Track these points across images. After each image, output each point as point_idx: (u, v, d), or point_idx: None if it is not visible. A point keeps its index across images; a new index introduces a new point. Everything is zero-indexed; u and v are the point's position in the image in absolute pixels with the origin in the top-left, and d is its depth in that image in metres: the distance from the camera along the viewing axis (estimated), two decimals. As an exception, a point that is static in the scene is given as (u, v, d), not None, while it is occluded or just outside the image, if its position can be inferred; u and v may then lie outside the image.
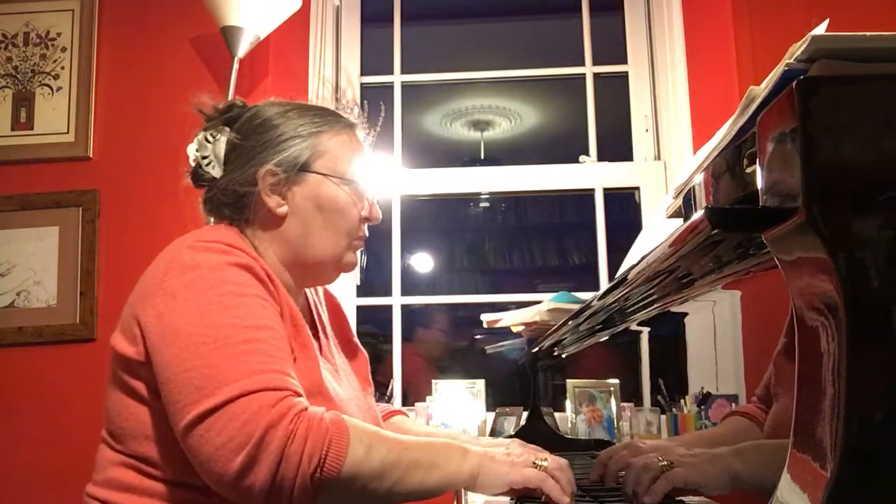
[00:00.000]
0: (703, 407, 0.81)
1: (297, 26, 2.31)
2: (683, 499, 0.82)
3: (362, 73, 2.53)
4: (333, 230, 1.08)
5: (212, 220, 1.13)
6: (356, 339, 1.31)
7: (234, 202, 1.07)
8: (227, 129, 1.10)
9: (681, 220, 0.71)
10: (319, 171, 1.08)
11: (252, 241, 1.06)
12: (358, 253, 1.15)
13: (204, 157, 1.08)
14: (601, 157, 2.45)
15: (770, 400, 0.65)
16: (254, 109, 1.13)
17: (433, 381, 2.18)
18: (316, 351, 1.05)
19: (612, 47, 2.52)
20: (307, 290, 1.19)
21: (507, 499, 1.00)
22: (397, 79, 2.56)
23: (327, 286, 1.26)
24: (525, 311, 1.76)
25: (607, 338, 1.25)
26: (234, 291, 0.92)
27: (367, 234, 1.16)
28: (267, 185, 1.05)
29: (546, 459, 0.95)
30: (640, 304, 0.99)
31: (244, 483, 0.81)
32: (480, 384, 2.17)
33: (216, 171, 1.08)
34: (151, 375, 0.93)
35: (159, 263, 0.98)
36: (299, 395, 0.88)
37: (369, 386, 1.27)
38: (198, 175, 1.10)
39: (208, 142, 1.09)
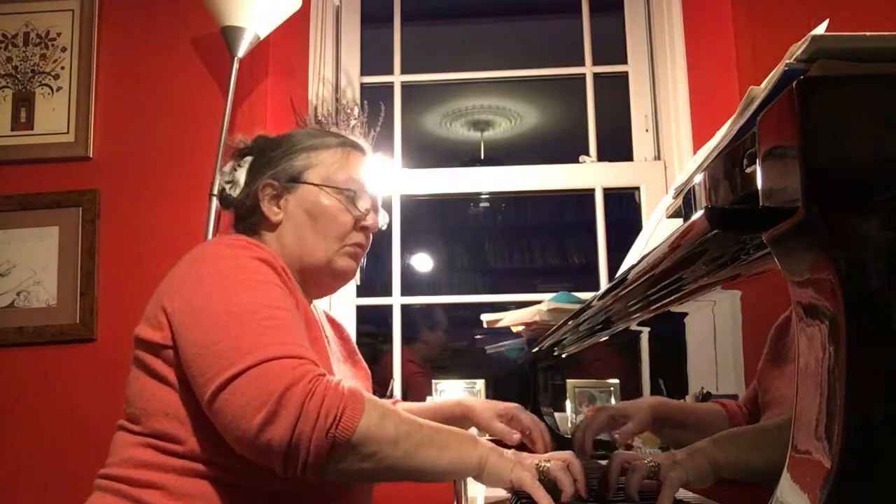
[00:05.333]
0: (703, 407, 0.81)
1: (297, 26, 2.31)
2: (683, 499, 0.82)
3: (362, 73, 2.53)
4: (323, 235, 1.17)
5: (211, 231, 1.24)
6: (360, 357, 1.39)
7: (244, 214, 1.20)
8: (249, 157, 1.24)
9: (681, 220, 0.71)
10: (311, 181, 1.18)
11: None
12: (362, 259, 1.25)
13: (228, 182, 1.23)
14: (601, 157, 2.45)
15: (753, 407, 0.65)
16: (270, 136, 1.27)
17: (433, 382, 2.18)
18: (325, 343, 1.13)
19: (612, 47, 2.51)
20: (314, 311, 1.26)
21: (506, 495, 1.01)
22: (397, 79, 2.55)
23: (333, 315, 1.37)
24: (525, 311, 1.76)
25: (607, 338, 1.25)
26: (254, 278, 1.01)
27: (364, 241, 1.23)
28: (266, 195, 1.18)
29: (549, 461, 0.98)
30: (641, 304, 0.99)
31: (264, 439, 0.86)
32: (480, 384, 2.17)
33: (235, 192, 1.22)
34: (174, 357, 1.00)
35: (184, 260, 1.07)
36: (317, 364, 0.93)
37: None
38: (223, 198, 1.24)
39: (234, 170, 1.23)
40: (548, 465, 0.97)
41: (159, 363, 1.02)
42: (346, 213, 1.18)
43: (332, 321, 1.37)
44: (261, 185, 1.17)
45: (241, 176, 1.22)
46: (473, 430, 1.25)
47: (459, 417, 1.30)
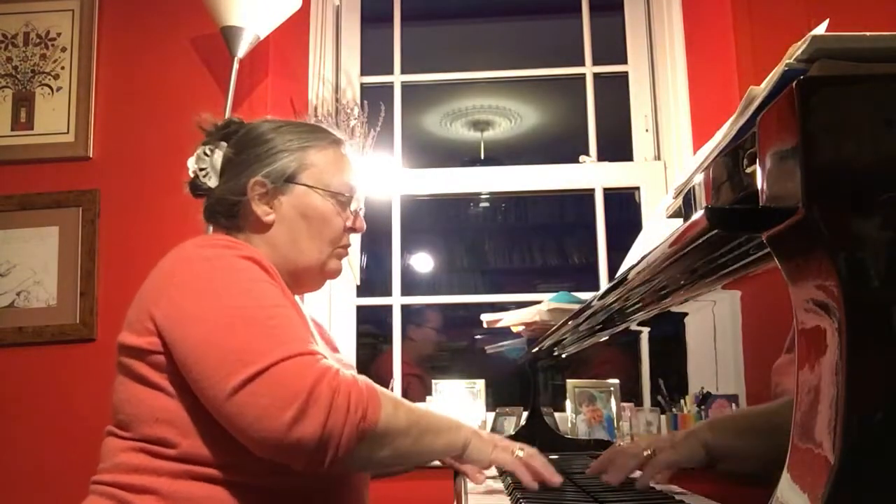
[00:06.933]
0: (703, 407, 0.81)
1: (297, 26, 2.31)
2: (684, 499, 0.82)
3: (362, 73, 2.53)
4: (318, 238, 1.16)
5: (210, 228, 1.23)
6: (343, 356, 1.38)
7: (227, 210, 1.16)
8: (224, 143, 1.19)
9: (681, 220, 0.71)
10: (305, 182, 1.16)
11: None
12: (344, 261, 1.25)
13: (202, 169, 1.17)
14: (601, 157, 2.45)
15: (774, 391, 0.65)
16: (249, 126, 1.22)
17: (433, 382, 2.18)
18: (318, 339, 1.13)
19: (612, 47, 2.51)
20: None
21: (504, 493, 1.02)
22: (397, 79, 2.55)
23: (316, 315, 1.37)
24: (525, 311, 1.76)
25: (607, 338, 1.25)
26: (247, 277, 1.00)
27: (351, 242, 1.24)
28: (256, 194, 1.14)
29: (523, 449, 1.07)
30: (640, 304, 0.99)
31: (293, 436, 0.87)
32: (480, 384, 2.17)
33: (212, 182, 1.17)
34: (162, 363, 0.99)
35: (165, 264, 1.05)
36: (326, 359, 0.95)
37: None
38: (195, 186, 1.19)
39: (206, 155, 1.18)
40: (521, 452, 1.05)
41: (147, 368, 1.00)
42: (338, 216, 1.18)
43: (315, 324, 1.36)
44: (251, 183, 1.13)
45: (217, 163, 1.17)
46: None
47: None
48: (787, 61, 0.50)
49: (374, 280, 2.98)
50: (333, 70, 2.48)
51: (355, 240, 2.21)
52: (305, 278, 1.19)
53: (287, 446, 0.88)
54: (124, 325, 1.05)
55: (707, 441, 0.70)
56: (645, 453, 0.86)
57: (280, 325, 0.95)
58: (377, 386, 0.95)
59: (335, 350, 1.36)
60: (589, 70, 2.50)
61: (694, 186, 0.66)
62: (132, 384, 1.02)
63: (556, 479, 1.02)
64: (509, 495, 1.06)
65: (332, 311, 2.32)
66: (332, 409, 0.88)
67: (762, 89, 0.55)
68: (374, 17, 2.58)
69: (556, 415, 1.71)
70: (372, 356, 3.43)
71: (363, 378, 0.94)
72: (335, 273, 1.21)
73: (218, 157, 1.17)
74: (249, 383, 0.89)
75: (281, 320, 0.96)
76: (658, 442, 0.85)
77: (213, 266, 1.01)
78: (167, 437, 0.98)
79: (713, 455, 0.70)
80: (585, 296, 1.56)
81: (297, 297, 1.30)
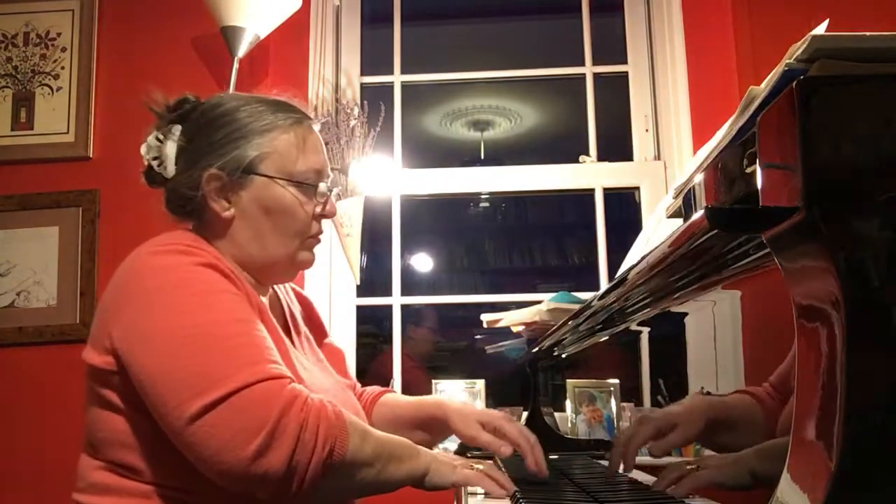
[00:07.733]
0: (703, 407, 0.81)
1: (297, 26, 2.31)
2: (685, 499, 0.82)
3: (362, 74, 2.53)
4: (282, 232, 1.06)
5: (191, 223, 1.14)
6: (330, 335, 1.32)
7: (184, 204, 1.07)
8: (179, 126, 1.07)
9: (681, 220, 0.71)
10: (265, 172, 1.04)
11: (209, 242, 1.06)
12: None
13: (154, 158, 1.06)
14: (601, 157, 2.45)
15: (783, 389, 0.65)
16: (204, 105, 1.09)
17: (433, 382, 2.18)
18: (287, 345, 1.06)
19: (612, 47, 2.52)
20: (277, 290, 1.20)
21: (507, 500, 1.01)
22: (397, 79, 2.55)
23: (303, 291, 1.31)
24: (525, 311, 1.76)
25: (607, 338, 1.25)
26: (204, 290, 0.93)
27: (321, 229, 1.13)
28: (212, 189, 1.04)
29: (481, 464, 1.04)
30: (640, 304, 0.99)
31: (258, 469, 0.83)
32: (480, 384, 2.17)
33: (167, 172, 1.07)
34: (123, 384, 0.94)
35: (121, 275, 1.00)
36: (293, 378, 0.91)
37: (348, 379, 1.28)
38: (150, 176, 1.09)
39: (159, 141, 1.06)
40: (481, 467, 1.03)
41: (107, 391, 0.96)
42: (301, 207, 1.06)
43: (300, 297, 1.29)
44: (205, 176, 1.02)
45: (171, 151, 1.05)
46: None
47: (441, 420, 1.22)
48: (787, 61, 0.50)
49: (374, 280, 2.98)
50: (333, 70, 2.48)
51: (356, 238, 2.21)
52: (275, 272, 1.11)
53: (249, 479, 0.83)
54: (88, 339, 0.99)
55: (754, 469, 0.69)
56: (688, 466, 0.84)
57: (242, 345, 0.89)
58: (346, 413, 0.91)
59: (325, 334, 1.30)
60: (589, 70, 2.50)
61: (694, 186, 0.66)
62: (97, 408, 0.98)
63: (512, 487, 1.00)
64: (510, 496, 1.06)
65: (332, 311, 2.31)
66: (299, 444, 0.83)
67: (762, 89, 0.55)
68: (374, 17, 2.58)
69: (556, 415, 1.71)
70: (372, 356, 3.43)
71: (332, 405, 0.90)
72: (307, 264, 1.12)
73: (172, 143, 1.06)
74: (210, 411, 0.83)
75: (243, 338, 0.90)
76: (704, 459, 0.84)
77: (168, 279, 0.94)
78: (131, 463, 0.95)
79: (759, 480, 0.69)
80: (585, 296, 1.56)
81: (288, 286, 1.26)
